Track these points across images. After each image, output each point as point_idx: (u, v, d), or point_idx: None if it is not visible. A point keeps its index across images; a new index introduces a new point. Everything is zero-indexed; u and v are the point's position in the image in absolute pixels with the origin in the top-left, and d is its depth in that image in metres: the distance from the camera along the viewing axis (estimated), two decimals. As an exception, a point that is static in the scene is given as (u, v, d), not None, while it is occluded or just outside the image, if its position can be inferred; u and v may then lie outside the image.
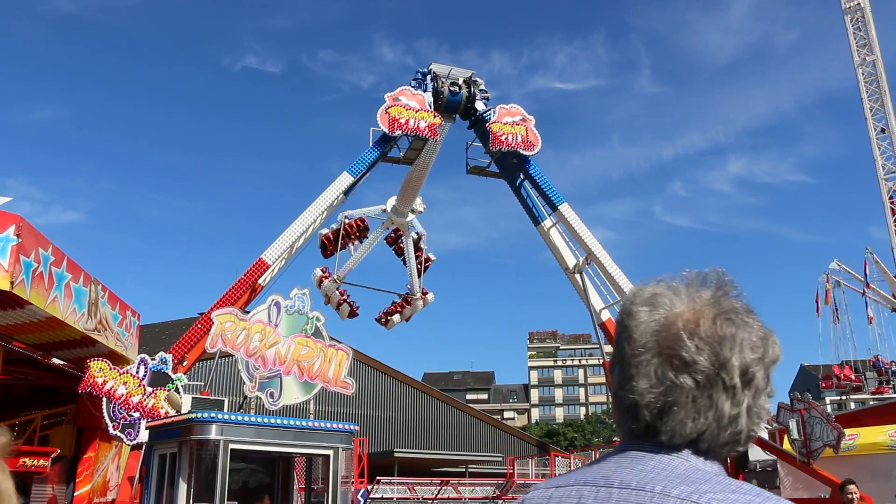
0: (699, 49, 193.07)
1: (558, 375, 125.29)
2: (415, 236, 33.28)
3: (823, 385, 37.36)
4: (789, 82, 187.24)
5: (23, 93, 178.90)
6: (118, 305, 16.27)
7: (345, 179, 29.09)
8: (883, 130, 43.36)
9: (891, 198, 42.43)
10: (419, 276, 33.70)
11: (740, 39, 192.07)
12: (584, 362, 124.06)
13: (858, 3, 45.99)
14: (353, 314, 32.16)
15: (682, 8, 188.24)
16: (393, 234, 33.83)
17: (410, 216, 32.75)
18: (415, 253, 33.40)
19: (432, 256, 34.88)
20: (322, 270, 31.41)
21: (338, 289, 31.62)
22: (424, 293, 34.16)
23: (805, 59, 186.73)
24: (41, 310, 12.47)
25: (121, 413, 16.12)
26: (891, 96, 43.58)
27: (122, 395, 16.14)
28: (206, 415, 11.49)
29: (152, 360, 17.06)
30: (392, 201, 32.35)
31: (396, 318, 34.05)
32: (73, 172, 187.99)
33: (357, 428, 13.88)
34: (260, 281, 26.57)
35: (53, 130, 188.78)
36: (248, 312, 19.17)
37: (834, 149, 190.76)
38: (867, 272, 42.07)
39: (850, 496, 7.68)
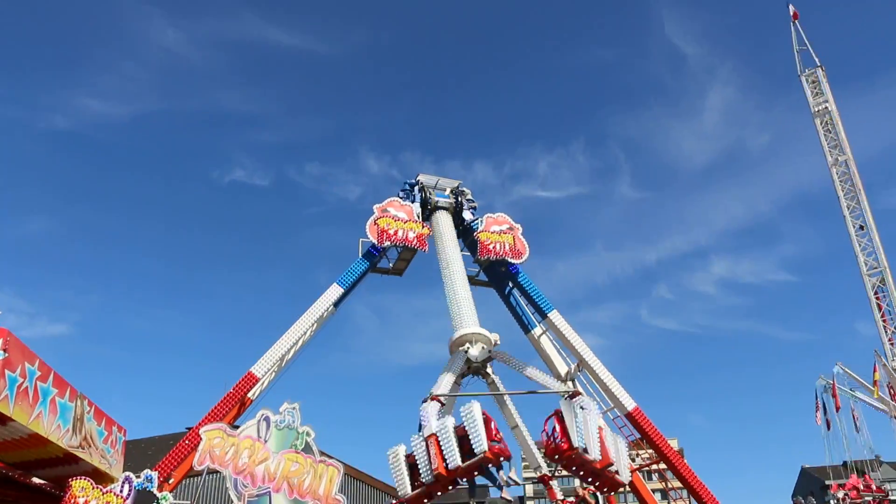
0: (675, 154, 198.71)
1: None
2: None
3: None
4: (764, 184, 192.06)
5: (16, 206, 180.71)
6: (104, 421, 15.90)
7: (335, 291, 29.10)
8: (861, 227, 44.22)
9: (876, 293, 42.85)
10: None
11: (714, 144, 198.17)
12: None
13: (826, 107, 47.95)
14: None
15: (657, 115, 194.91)
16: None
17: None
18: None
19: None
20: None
21: None
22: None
23: (778, 161, 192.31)
24: (24, 426, 12.20)
25: (103, 536, 15.47)
26: (865, 193, 44.86)
27: (105, 517, 15.54)
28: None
29: (137, 477, 16.51)
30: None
31: None
32: (61, 284, 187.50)
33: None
34: (249, 395, 26.09)
35: (44, 243, 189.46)
36: (237, 427, 18.80)
37: (813, 246, 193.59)
38: (835, 387, 42.03)
39: None
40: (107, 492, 15.77)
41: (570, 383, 31.64)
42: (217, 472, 17.60)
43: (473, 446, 17.80)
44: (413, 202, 30.83)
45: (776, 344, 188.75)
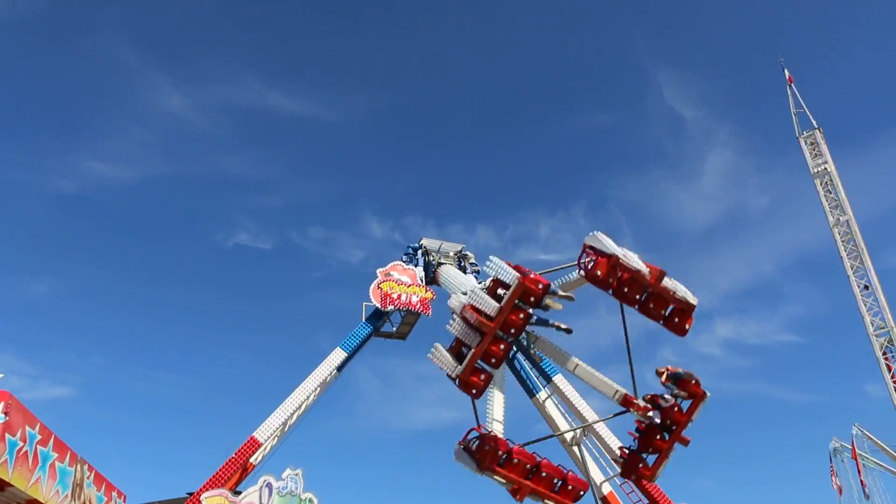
0: (676, 216, 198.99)
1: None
2: None
3: None
4: (766, 245, 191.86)
5: (22, 268, 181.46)
6: (104, 486, 15.81)
7: (338, 355, 29.13)
8: (866, 287, 44.16)
9: (885, 353, 42.48)
10: None
11: (715, 206, 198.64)
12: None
13: (825, 168, 48.44)
14: None
15: (657, 178, 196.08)
16: None
17: None
18: None
19: None
20: None
21: None
22: None
23: (779, 222, 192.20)
24: (23, 492, 12.17)
25: None
26: (869, 253, 44.94)
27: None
28: None
29: (137, 546, 16.32)
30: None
31: None
32: (64, 346, 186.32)
33: None
34: (252, 459, 25.86)
35: (48, 305, 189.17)
36: (239, 493, 18.67)
37: (819, 307, 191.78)
38: (855, 450, 41.03)
39: None
40: (105, 561, 15.60)
41: (575, 448, 31.30)
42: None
43: (505, 280, 17.16)
44: (416, 266, 31.05)
45: (784, 405, 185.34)
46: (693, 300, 18.91)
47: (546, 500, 19.09)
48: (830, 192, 47.76)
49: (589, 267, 18.00)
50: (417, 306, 29.87)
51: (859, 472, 40.39)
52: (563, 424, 31.80)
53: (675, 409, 19.46)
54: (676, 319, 19.35)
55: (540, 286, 17.41)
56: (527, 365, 32.30)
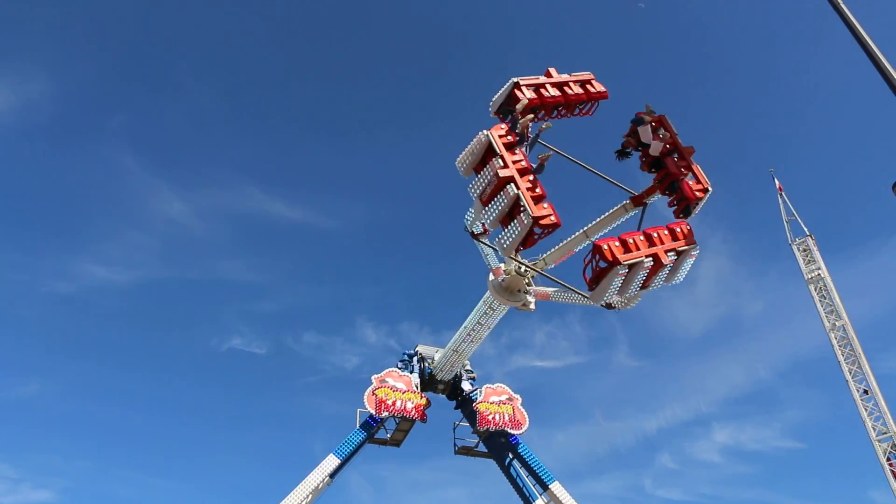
0: (671, 323, 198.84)
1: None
2: None
3: None
4: (762, 350, 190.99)
5: (12, 368, 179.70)
6: None
7: (331, 462, 28.84)
8: (866, 391, 43.95)
9: (889, 460, 41.82)
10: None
11: (709, 313, 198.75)
12: None
13: (819, 274, 49.02)
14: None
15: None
16: None
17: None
18: None
19: None
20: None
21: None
22: None
23: (774, 328, 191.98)
24: None
25: None
26: (866, 357, 44.88)
27: None
28: None
29: None
30: None
31: None
32: (50, 448, 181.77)
33: None
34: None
35: (37, 406, 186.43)
36: None
37: (818, 412, 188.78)
38: None
39: None
40: None
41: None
42: None
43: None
44: (411, 373, 31.11)
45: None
46: (709, 184, 20.95)
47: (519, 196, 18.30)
48: (825, 298, 48.20)
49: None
50: (412, 413, 29.75)
51: None
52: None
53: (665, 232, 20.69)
54: (691, 184, 20.91)
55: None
56: (523, 472, 31.92)
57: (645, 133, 20.67)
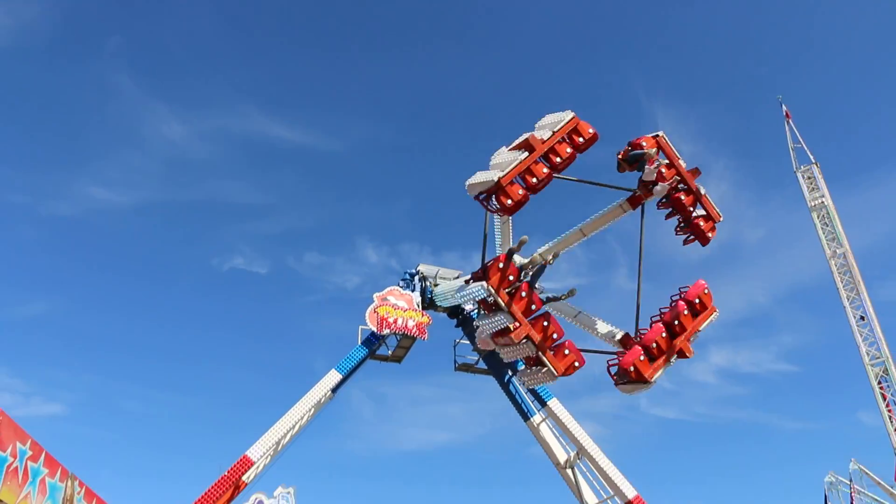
0: (671, 248, 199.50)
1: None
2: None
3: None
4: (761, 277, 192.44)
5: (16, 289, 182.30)
6: (94, 502, 16.09)
7: (333, 377, 29.37)
8: (862, 318, 44.43)
9: (879, 383, 42.61)
10: None
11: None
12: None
13: (822, 202, 48.91)
14: None
15: (652, 210, 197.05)
16: None
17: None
18: None
19: None
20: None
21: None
22: None
23: (774, 255, 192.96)
24: (11, 507, 12.44)
25: None
26: (865, 285, 45.26)
27: None
28: None
29: (126, 562, 16.57)
30: None
31: None
32: (57, 364, 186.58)
33: None
34: (244, 478, 26.05)
35: (41, 324, 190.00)
36: (230, 512, 18.86)
37: (813, 337, 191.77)
38: (853, 486, 40.58)
39: None
40: (94, 577, 15.83)
41: (568, 470, 31.47)
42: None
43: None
44: (413, 291, 31.38)
45: (778, 433, 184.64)
46: (719, 215, 19.51)
47: (539, 353, 17.77)
48: (827, 226, 48.19)
49: (633, 140, 18.65)
50: (413, 331, 30.13)
51: (852, 502, 40.06)
52: (557, 448, 32.00)
53: (685, 312, 19.01)
54: (702, 223, 19.73)
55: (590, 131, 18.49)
56: (521, 389, 32.54)
57: (649, 174, 19.52)
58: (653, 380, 18.62)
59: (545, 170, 17.98)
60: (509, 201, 17.53)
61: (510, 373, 32.71)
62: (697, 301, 19.19)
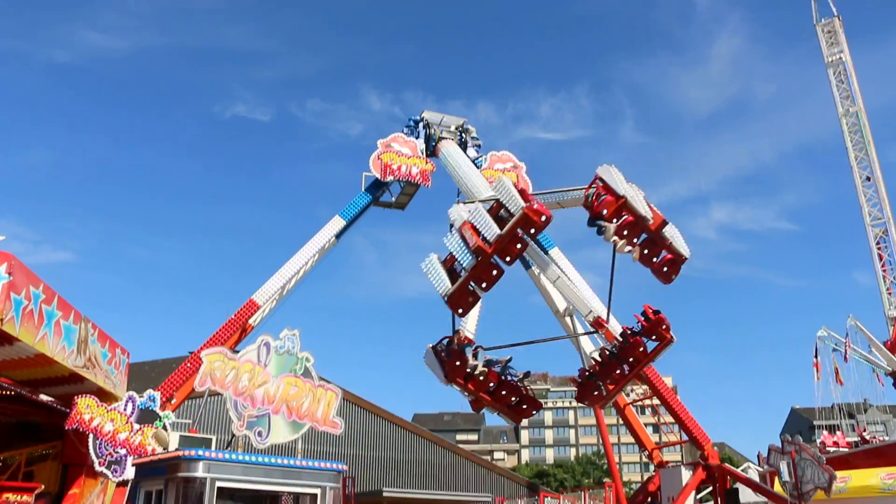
0: (680, 101, 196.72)
1: (549, 417, 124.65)
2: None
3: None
4: (769, 134, 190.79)
5: (16, 137, 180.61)
6: (107, 343, 16.30)
7: (337, 223, 29.37)
8: (868, 178, 44.07)
9: (878, 243, 42.92)
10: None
11: (720, 93, 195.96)
12: (574, 404, 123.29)
13: (840, 58, 47.15)
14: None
15: (663, 63, 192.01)
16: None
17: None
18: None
19: None
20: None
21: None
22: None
23: (783, 112, 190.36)
24: (30, 347, 12.53)
25: (107, 450, 16.03)
26: (874, 145, 44.55)
27: (109, 432, 16.08)
28: (193, 452, 11.52)
29: (140, 397, 17.05)
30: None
31: None
32: (64, 213, 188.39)
33: (345, 467, 13.92)
34: (250, 321, 26.60)
35: (44, 174, 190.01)
36: (238, 352, 19.25)
37: (815, 197, 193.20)
38: (848, 341, 41.01)
39: None
40: (111, 410, 16.27)
41: (567, 319, 32.20)
42: (218, 394, 18.13)
43: (509, 207, 16.65)
44: (417, 138, 30.77)
45: (773, 289, 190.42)
46: (686, 253, 18.97)
47: (500, 413, 21.16)
48: (843, 83, 46.72)
49: (596, 203, 17.82)
50: (417, 177, 29.79)
51: (845, 360, 40.85)
52: (557, 297, 32.58)
53: (641, 348, 19.81)
54: (665, 268, 19.62)
55: (543, 218, 16.95)
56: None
57: (622, 248, 19.33)
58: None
59: (494, 272, 17.47)
60: (461, 310, 18.07)
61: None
62: (654, 337, 19.72)
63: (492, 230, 16.70)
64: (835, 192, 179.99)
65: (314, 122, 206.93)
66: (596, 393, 20.85)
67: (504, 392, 20.52)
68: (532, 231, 17.37)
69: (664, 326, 19.36)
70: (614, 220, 18.69)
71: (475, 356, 20.20)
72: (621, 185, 18.29)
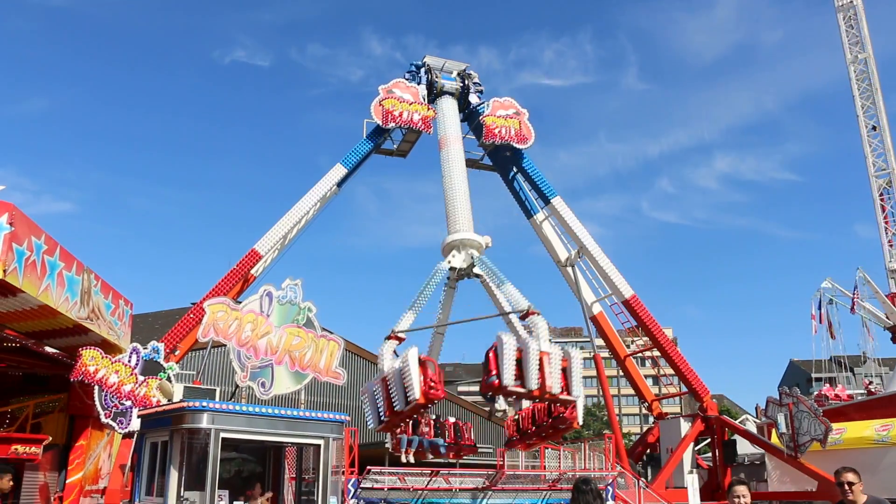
0: (685, 48, 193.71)
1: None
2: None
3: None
4: (773, 82, 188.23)
5: (12, 85, 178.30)
6: (111, 294, 16.28)
7: (338, 171, 29.15)
8: (874, 128, 43.42)
9: (881, 195, 42.58)
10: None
11: (725, 39, 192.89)
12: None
13: (852, 1, 46.03)
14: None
15: (668, 7, 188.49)
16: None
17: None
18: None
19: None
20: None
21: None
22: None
23: (789, 59, 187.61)
24: (34, 298, 12.49)
25: (113, 401, 16.17)
26: (882, 94, 43.84)
27: (115, 384, 16.19)
28: (197, 403, 11.54)
29: (144, 349, 17.10)
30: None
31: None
32: (64, 164, 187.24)
33: (348, 418, 13.97)
34: (252, 271, 26.61)
35: (43, 123, 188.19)
36: (241, 302, 19.24)
37: (819, 147, 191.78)
38: (857, 293, 40.71)
39: (736, 499, 6.80)
40: (115, 361, 16.36)
41: (569, 269, 32.17)
42: (221, 345, 18.17)
43: (408, 395, 16.72)
44: (419, 84, 30.30)
45: (774, 241, 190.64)
46: (574, 397, 17.42)
47: None
48: (852, 28, 45.64)
49: (486, 382, 16.76)
50: (419, 124, 29.41)
51: (852, 311, 40.69)
52: (558, 246, 32.58)
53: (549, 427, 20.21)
54: (561, 427, 20.00)
55: (435, 402, 17.24)
56: (526, 186, 32.51)
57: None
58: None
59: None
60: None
61: (515, 169, 32.54)
62: (563, 427, 20.09)
63: (400, 403, 17.01)
64: (838, 143, 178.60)
65: (315, 68, 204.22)
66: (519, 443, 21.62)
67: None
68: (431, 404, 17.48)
69: (572, 417, 19.54)
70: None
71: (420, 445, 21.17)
72: (507, 370, 16.33)
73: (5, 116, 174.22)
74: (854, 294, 40.11)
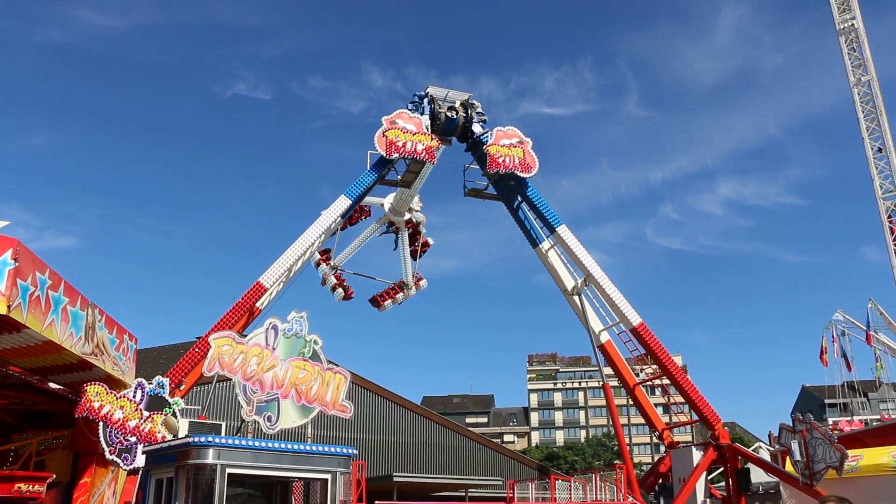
0: (685, 74, 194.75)
1: (558, 398, 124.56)
2: (415, 220, 34.56)
3: None
4: (775, 106, 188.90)
5: (14, 121, 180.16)
6: (115, 329, 16.18)
7: (342, 203, 29.10)
8: (880, 150, 43.44)
9: (889, 217, 42.41)
10: (415, 259, 35.07)
11: (725, 64, 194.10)
12: (584, 385, 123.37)
13: (853, 24, 46.19)
14: (347, 297, 34.09)
15: (667, 35, 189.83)
16: (390, 228, 35.12)
17: (407, 215, 34.31)
18: (412, 238, 34.78)
19: (430, 241, 35.96)
20: (321, 254, 32.93)
21: (334, 273, 33.68)
22: (418, 280, 35.76)
23: (789, 84, 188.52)
24: (38, 334, 12.40)
25: (117, 437, 16.00)
26: (887, 115, 43.85)
27: (119, 420, 16.03)
28: (203, 439, 11.36)
29: (149, 384, 16.95)
30: (390, 200, 33.70)
31: (389, 303, 35.80)
32: (66, 198, 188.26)
33: (356, 452, 13.74)
34: (258, 304, 26.46)
35: (45, 158, 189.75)
36: (246, 336, 19.10)
37: (822, 171, 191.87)
38: (870, 322, 40.07)
39: None
40: (120, 397, 16.23)
41: (575, 297, 31.97)
42: (226, 379, 18.00)
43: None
44: (422, 115, 30.39)
45: (781, 266, 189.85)
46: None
47: None
48: (854, 51, 45.84)
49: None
50: (423, 154, 29.42)
51: (868, 343, 40.02)
52: (565, 274, 32.40)
53: None
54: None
55: None
56: (531, 215, 32.43)
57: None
58: None
59: None
60: None
61: (519, 199, 32.48)
62: None
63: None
64: (842, 166, 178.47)
65: (316, 101, 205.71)
66: None
67: None
68: None
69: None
70: None
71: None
72: None
73: (8, 151, 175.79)
74: (868, 328, 39.40)
